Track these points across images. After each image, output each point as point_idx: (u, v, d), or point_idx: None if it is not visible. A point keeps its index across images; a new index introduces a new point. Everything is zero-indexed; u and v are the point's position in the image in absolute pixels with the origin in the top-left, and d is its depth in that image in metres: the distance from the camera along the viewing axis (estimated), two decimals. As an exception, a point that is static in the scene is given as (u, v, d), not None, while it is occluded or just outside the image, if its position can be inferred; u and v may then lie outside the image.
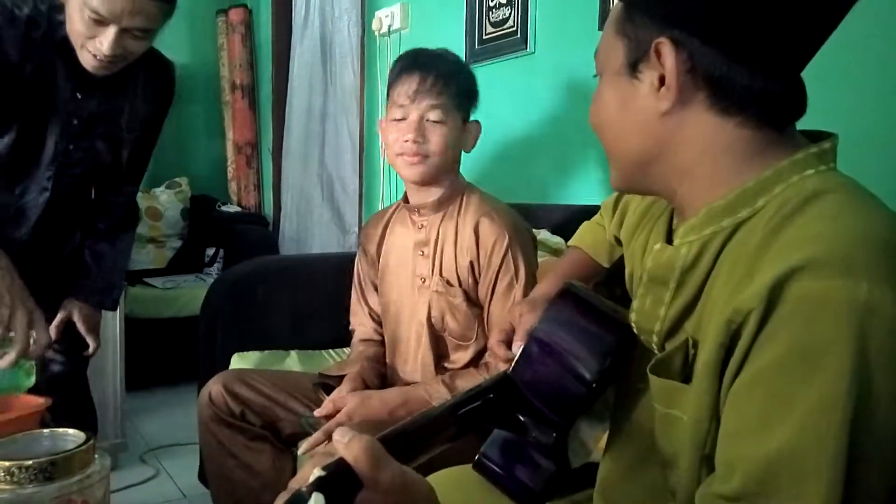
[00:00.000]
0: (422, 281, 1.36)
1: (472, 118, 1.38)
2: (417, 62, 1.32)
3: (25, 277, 1.29)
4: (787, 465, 0.53)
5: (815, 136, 0.65)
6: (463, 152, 1.38)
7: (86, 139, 1.44)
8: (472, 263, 1.31)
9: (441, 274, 1.34)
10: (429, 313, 1.35)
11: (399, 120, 1.32)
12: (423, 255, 1.37)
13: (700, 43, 0.61)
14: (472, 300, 1.33)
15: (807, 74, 0.65)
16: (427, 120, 1.30)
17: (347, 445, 0.54)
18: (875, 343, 0.51)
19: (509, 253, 1.28)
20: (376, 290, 1.50)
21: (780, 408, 0.53)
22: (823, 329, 0.52)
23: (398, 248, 1.43)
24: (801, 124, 0.68)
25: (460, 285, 1.32)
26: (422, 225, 1.38)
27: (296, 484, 0.57)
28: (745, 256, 0.59)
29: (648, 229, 0.79)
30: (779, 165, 0.62)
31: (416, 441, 0.63)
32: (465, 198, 1.36)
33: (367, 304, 1.54)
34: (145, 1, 1.22)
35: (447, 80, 1.30)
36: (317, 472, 0.52)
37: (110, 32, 1.24)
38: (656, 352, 0.70)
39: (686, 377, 0.64)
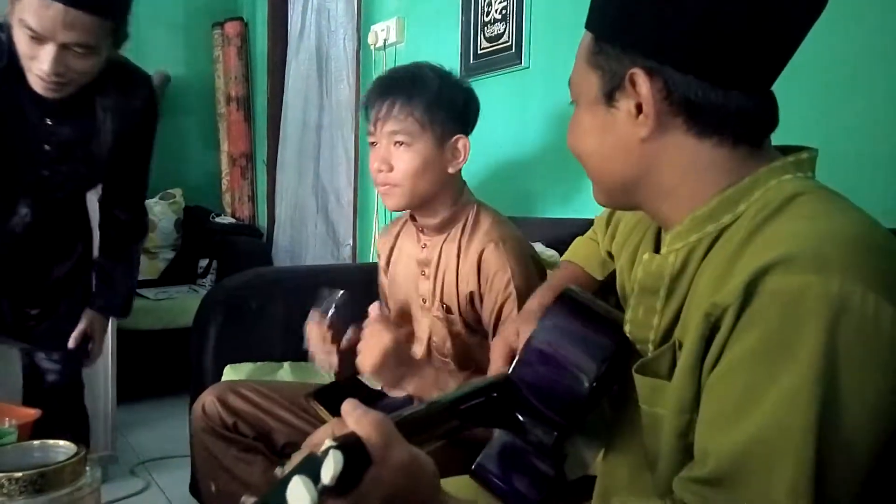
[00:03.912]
0: (423, 301, 1.34)
1: (466, 133, 1.29)
2: (381, 85, 1.28)
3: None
4: (757, 452, 0.54)
5: (796, 151, 0.67)
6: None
7: (65, 164, 1.43)
8: (472, 294, 1.25)
9: (442, 300, 1.29)
10: (429, 337, 1.32)
11: (373, 145, 1.28)
12: (424, 275, 1.33)
13: (674, 70, 0.62)
14: (473, 328, 1.28)
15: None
16: (395, 143, 1.24)
17: (358, 421, 0.54)
18: (844, 337, 0.53)
19: (510, 286, 1.20)
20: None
21: (753, 397, 0.55)
22: (796, 322, 0.54)
23: (404, 264, 1.39)
24: (788, 139, 0.70)
25: (460, 314, 1.27)
26: (425, 244, 1.33)
27: (306, 448, 0.56)
28: (726, 257, 0.61)
29: (637, 241, 0.80)
30: (758, 172, 0.64)
31: (418, 430, 0.63)
32: (470, 219, 1.28)
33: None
34: (77, 13, 1.18)
35: (411, 100, 1.22)
36: (328, 443, 0.50)
37: (49, 50, 1.21)
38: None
39: (672, 376, 0.65)
